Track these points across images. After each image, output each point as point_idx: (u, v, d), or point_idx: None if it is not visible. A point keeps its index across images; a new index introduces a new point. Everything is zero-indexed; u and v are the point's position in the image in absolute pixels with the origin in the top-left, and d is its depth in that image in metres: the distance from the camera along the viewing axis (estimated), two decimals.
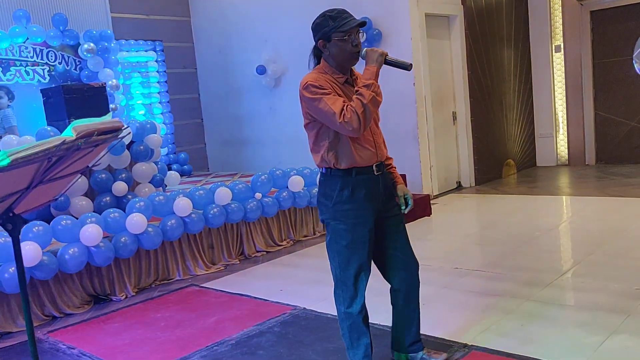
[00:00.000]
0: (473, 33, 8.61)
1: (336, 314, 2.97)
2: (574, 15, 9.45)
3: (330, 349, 3.46)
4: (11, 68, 7.51)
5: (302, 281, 4.98)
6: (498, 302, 4.01)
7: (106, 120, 1.65)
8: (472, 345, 3.33)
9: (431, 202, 7.34)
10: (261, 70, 9.04)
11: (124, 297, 4.96)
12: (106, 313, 4.60)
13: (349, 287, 2.88)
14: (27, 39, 7.52)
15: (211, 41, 10.00)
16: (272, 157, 9.15)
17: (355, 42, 2.74)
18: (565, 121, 9.83)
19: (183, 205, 5.21)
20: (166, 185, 6.66)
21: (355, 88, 2.75)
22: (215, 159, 10.25)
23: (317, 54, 2.88)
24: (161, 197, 5.24)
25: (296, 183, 6.17)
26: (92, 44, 7.81)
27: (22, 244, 4.24)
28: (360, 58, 2.81)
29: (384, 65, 2.77)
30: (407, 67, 2.81)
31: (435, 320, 3.77)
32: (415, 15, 7.57)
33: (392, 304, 3.13)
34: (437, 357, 3.11)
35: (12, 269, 4.18)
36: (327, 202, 2.86)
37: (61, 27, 7.77)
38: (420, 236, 6.24)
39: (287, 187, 6.19)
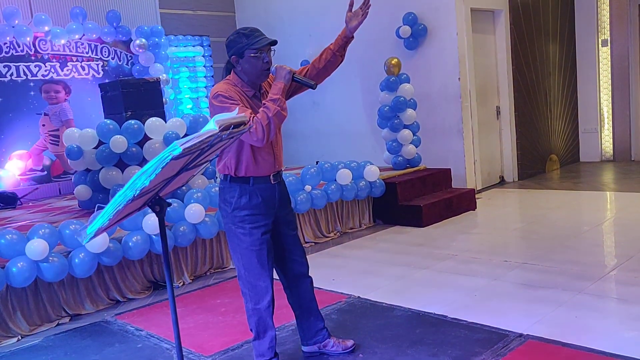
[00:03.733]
0: (518, 28, 8.60)
1: (390, 303, 3.11)
2: (622, 8, 9.35)
3: (388, 336, 3.60)
4: (68, 63, 7.80)
5: (353, 271, 5.12)
6: (550, 294, 4.09)
7: (236, 115, 1.82)
8: (527, 334, 3.42)
9: (475, 196, 7.40)
10: (305, 65, 9.15)
11: (181, 284, 5.17)
12: (166, 299, 4.80)
13: (255, 286, 3.06)
14: (83, 35, 7.81)
15: None
16: (315, 151, 9.30)
17: (266, 59, 2.90)
18: (611, 116, 9.74)
19: None
20: (217, 177, 6.85)
21: (263, 101, 2.92)
22: None
23: (229, 67, 3.03)
24: (217, 189, 5.42)
25: (344, 176, 6.30)
26: (143, 40, 8.06)
27: None
28: (271, 74, 2.98)
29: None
30: (312, 86, 3.01)
31: (488, 310, 3.87)
32: (460, 10, 7.61)
33: (289, 302, 3.38)
34: (346, 344, 3.39)
35: (82, 254, 4.42)
36: (227, 208, 3.04)
37: (114, 24, 8.04)
38: (466, 230, 6.32)
39: (335, 180, 6.33)
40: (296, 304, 3.35)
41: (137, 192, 1.56)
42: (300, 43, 9.35)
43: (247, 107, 2.87)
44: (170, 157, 1.54)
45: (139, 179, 1.55)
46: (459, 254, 5.33)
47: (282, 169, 3.18)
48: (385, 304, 4.15)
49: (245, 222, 2.99)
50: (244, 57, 2.90)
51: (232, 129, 1.79)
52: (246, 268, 3.05)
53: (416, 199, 6.86)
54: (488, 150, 8.44)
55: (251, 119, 2.76)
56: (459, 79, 7.62)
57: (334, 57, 3.21)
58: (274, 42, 2.93)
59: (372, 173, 6.58)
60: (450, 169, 7.54)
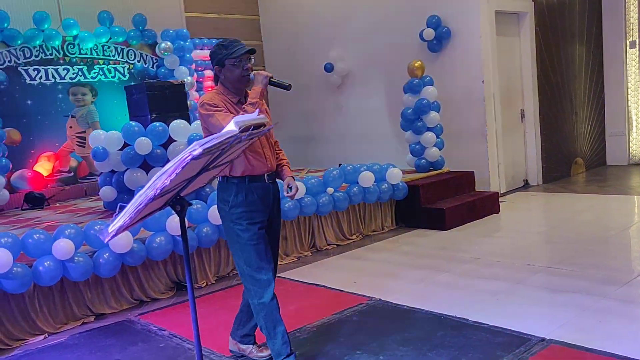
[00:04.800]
0: (543, 30, 8.52)
1: (412, 305, 3.13)
2: None
3: (409, 339, 3.59)
4: (95, 66, 7.94)
5: (374, 274, 5.12)
6: (573, 298, 4.04)
7: (256, 116, 1.85)
8: (550, 339, 3.39)
9: (499, 199, 7.33)
10: (329, 68, 9.20)
11: (204, 284, 5.23)
12: (186, 300, 4.85)
13: (257, 280, 3.17)
14: (110, 38, 7.94)
15: (280, 39, 10.25)
16: (337, 154, 9.31)
17: (245, 66, 3.09)
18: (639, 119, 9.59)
19: None
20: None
21: (243, 105, 3.11)
22: None
23: (216, 78, 3.22)
24: None
25: (367, 179, 6.31)
26: (169, 43, 8.16)
27: None
28: (251, 80, 3.15)
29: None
30: (286, 87, 3.17)
31: (509, 314, 3.84)
32: (485, 13, 7.57)
33: (243, 295, 3.47)
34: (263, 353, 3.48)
35: (107, 254, 4.49)
36: (225, 207, 3.19)
37: (140, 27, 8.16)
38: (489, 233, 6.28)
39: (358, 183, 6.33)
40: (245, 301, 3.48)
41: (158, 191, 1.59)
42: (324, 46, 9.38)
43: (231, 113, 3.06)
44: (190, 158, 1.58)
45: (159, 178, 1.58)
46: (482, 257, 5.30)
47: (275, 170, 3.33)
48: (407, 306, 4.14)
49: (242, 219, 3.14)
50: (225, 66, 3.10)
51: (252, 130, 1.81)
52: (247, 263, 3.17)
53: (439, 202, 6.83)
54: (512, 154, 8.37)
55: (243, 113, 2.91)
56: (483, 81, 7.57)
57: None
58: (252, 51, 3.13)
59: (395, 175, 6.57)
60: (473, 172, 7.49)
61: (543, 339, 3.40)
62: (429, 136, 7.18)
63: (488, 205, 7.09)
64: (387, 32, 8.52)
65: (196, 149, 1.59)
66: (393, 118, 8.45)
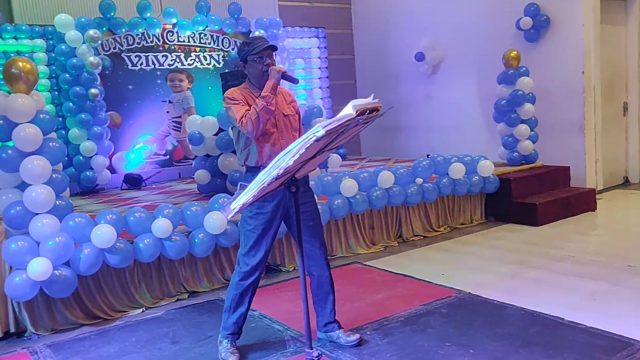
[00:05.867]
0: None
1: (502, 300, 3.47)
2: None
3: (500, 334, 3.51)
4: (192, 53, 8.21)
5: (463, 267, 5.03)
6: None
7: (371, 100, 1.88)
8: None
9: (596, 196, 7.00)
10: (420, 57, 9.08)
11: (292, 268, 5.32)
12: (278, 282, 4.97)
13: (247, 264, 3.39)
14: (207, 26, 8.18)
15: (370, 28, 10.20)
16: (425, 144, 9.19)
17: (266, 62, 3.30)
18: None
19: (349, 186, 5.46)
20: (327, 167, 6.96)
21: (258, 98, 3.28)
22: (368, 144, 10.48)
23: (244, 74, 3.46)
24: (329, 178, 5.52)
25: (457, 170, 6.19)
26: (262, 31, 8.32)
27: (210, 213, 4.71)
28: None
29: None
30: (295, 81, 3.39)
31: (609, 316, 3.68)
32: (588, 0, 7.21)
33: (310, 286, 3.55)
34: (351, 336, 3.51)
35: (202, 235, 4.66)
36: (240, 191, 3.24)
37: (235, 16, 8.36)
38: (584, 231, 6.02)
39: (448, 174, 6.23)
40: (313, 291, 3.58)
41: (282, 171, 1.64)
42: (416, 35, 9.26)
43: (249, 106, 3.28)
44: (314, 139, 1.61)
45: (282, 158, 1.63)
46: (577, 255, 5.08)
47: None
48: (497, 301, 4.04)
49: (253, 207, 3.32)
50: (248, 62, 3.33)
51: (368, 113, 1.83)
52: (245, 246, 3.40)
53: (531, 196, 6.61)
54: (612, 149, 7.94)
55: (244, 114, 3.20)
56: (583, 72, 7.22)
57: None
58: (272, 47, 3.32)
59: (486, 168, 6.41)
60: (569, 167, 7.19)
61: None
62: (523, 129, 6.94)
63: (584, 202, 6.78)
64: (481, 21, 8.29)
65: (319, 130, 1.62)
66: (485, 109, 8.23)
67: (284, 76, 3.30)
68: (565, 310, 3.80)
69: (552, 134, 7.48)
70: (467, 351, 3.32)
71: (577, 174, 7.30)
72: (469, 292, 4.29)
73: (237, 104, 3.29)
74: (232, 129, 3.46)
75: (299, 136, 3.40)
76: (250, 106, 3.27)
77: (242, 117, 3.23)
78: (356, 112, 1.73)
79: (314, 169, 2.48)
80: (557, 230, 6.09)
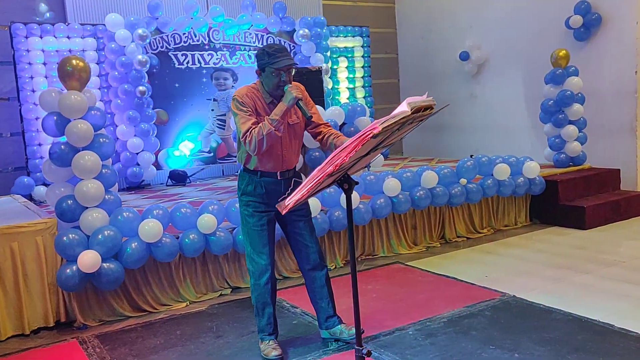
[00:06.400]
0: None
1: (548, 305, 3.45)
2: None
3: (546, 339, 3.44)
4: (237, 52, 8.30)
5: (507, 269, 4.95)
6: None
7: (425, 98, 1.87)
8: None
9: None
10: (464, 57, 8.97)
11: (333, 267, 5.33)
12: None
13: (256, 263, 3.44)
14: (252, 25, 8.26)
15: (414, 27, 10.13)
16: (468, 144, 9.08)
17: (283, 78, 3.25)
18: None
19: (392, 186, 5.43)
20: (370, 166, 6.94)
21: (266, 117, 3.24)
22: (410, 144, 10.41)
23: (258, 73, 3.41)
24: (372, 177, 5.51)
25: (502, 171, 6.09)
26: (306, 30, 8.34)
27: None
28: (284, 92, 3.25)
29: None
30: (308, 117, 3.25)
31: None
32: None
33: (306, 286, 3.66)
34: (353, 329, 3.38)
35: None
36: (238, 192, 3.50)
37: (280, 15, 8.41)
38: (636, 236, 5.86)
39: (492, 175, 6.14)
40: (308, 287, 3.65)
41: (337, 168, 1.64)
42: (460, 34, 9.15)
43: (258, 112, 3.30)
44: (371, 135, 1.61)
45: (337, 155, 1.63)
46: (627, 260, 4.94)
47: (294, 168, 3.55)
48: (543, 305, 3.97)
49: (249, 206, 3.43)
50: (265, 72, 3.30)
51: (423, 111, 1.82)
52: (251, 245, 3.45)
53: (579, 199, 6.45)
54: None
55: (249, 130, 3.20)
56: (636, 72, 7.01)
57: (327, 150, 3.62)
58: (292, 64, 3.26)
59: (532, 169, 6.29)
60: (619, 169, 6.99)
61: None
62: (571, 130, 6.79)
63: (635, 206, 6.59)
64: (528, 20, 8.14)
65: (376, 127, 1.62)
66: (530, 110, 8.08)
67: (298, 105, 3.23)
68: (615, 317, 3.70)
69: (601, 136, 7.28)
70: (512, 355, 3.27)
71: (627, 177, 7.09)
72: (514, 295, 4.23)
73: (245, 112, 3.25)
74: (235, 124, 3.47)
75: (299, 143, 3.52)
76: (257, 116, 3.26)
77: (246, 132, 3.20)
78: (411, 109, 1.72)
79: (365, 167, 2.49)
80: (606, 234, 5.94)
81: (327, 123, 3.60)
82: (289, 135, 3.41)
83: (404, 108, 1.72)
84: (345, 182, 2.26)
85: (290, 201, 1.83)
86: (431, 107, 2.05)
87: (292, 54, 8.63)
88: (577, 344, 3.35)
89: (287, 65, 3.23)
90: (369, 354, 2.57)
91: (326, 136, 3.51)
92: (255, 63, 3.37)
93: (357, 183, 2.30)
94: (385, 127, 1.63)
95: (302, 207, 3.52)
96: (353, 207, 5.15)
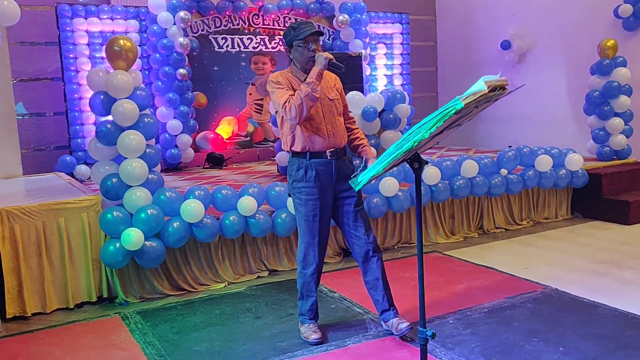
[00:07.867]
0: None
1: (593, 299, 3.52)
2: None
3: (591, 334, 3.38)
4: (275, 37, 8.29)
5: (548, 262, 4.87)
6: None
7: (499, 77, 1.84)
8: None
9: None
10: (506, 46, 8.81)
11: None
12: (355, 266, 4.96)
13: (305, 252, 3.43)
14: (292, 10, 8.23)
15: (454, 15, 9.98)
16: (506, 135, 8.93)
17: (311, 47, 3.26)
18: None
19: (432, 174, 5.38)
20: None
21: (303, 82, 3.23)
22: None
23: (290, 58, 3.41)
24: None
25: (544, 163, 5.98)
26: (346, 16, 8.29)
27: None
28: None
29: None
30: (341, 69, 3.29)
31: None
32: None
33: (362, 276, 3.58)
34: (401, 325, 3.42)
35: (284, 215, 4.72)
36: (289, 180, 3.45)
37: (320, 0, 8.36)
38: None
39: (534, 166, 6.03)
40: (364, 279, 3.56)
41: (416, 144, 1.62)
42: (503, 22, 8.97)
43: (293, 90, 3.26)
44: (453, 111, 1.59)
45: (417, 131, 1.61)
46: None
47: (354, 142, 3.55)
48: (587, 299, 3.90)
49: (302, 194, 3.37)
50: (294, 47, 3.31)
51: (500, 90, 1.79)
52: (302, 234, 3.44)
53: (624, 193, 6.31)
54: None
55: (288, 100, 3.18)
56: None
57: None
58: (318, 32, 3.28)
59: (575, 162, 6.16)
60: None
61: None
62: (616, 122, 6.62)
63: None
64: (574, 9, 7.94)
65: (458, 103, 1.59)
66: (573, 101, 7.90)
67: (331, 63, 3.24)
68: None
69: None
70: (557, 348, 3.21)
71: None
72: (556, 288, 4.16)
73: (282, 88, 3.26)
74: (276, 112, 3.44)
75: (342, 121, 3.45)
76: (294, 91, 3.24)
77: (285, 102, 3.20)
78: (488, 88, 1.69)
79: (428, 149, 2.44)
80: None
81: (354, 119, 3.63)
82: (330, 113, 3.38)
83: (481, 86, 1.69)
84: (415, 160, 2.23)
85: (364, 178, 1.81)
86: (504, 88, 2.00)
87: (330, 40, 8.59)
88: (624, 340, 3.28)
89: (312, 34, 3.25)
90: (433, 336, 2.53)
91: (351, 138, 3.56)
92: (284, 44, 3.39)
93: (426, 163, 2.27)
94: (467, 103, 1.61)
95: (355, 194, 3.44)
96: (391, 195, 5.16)
